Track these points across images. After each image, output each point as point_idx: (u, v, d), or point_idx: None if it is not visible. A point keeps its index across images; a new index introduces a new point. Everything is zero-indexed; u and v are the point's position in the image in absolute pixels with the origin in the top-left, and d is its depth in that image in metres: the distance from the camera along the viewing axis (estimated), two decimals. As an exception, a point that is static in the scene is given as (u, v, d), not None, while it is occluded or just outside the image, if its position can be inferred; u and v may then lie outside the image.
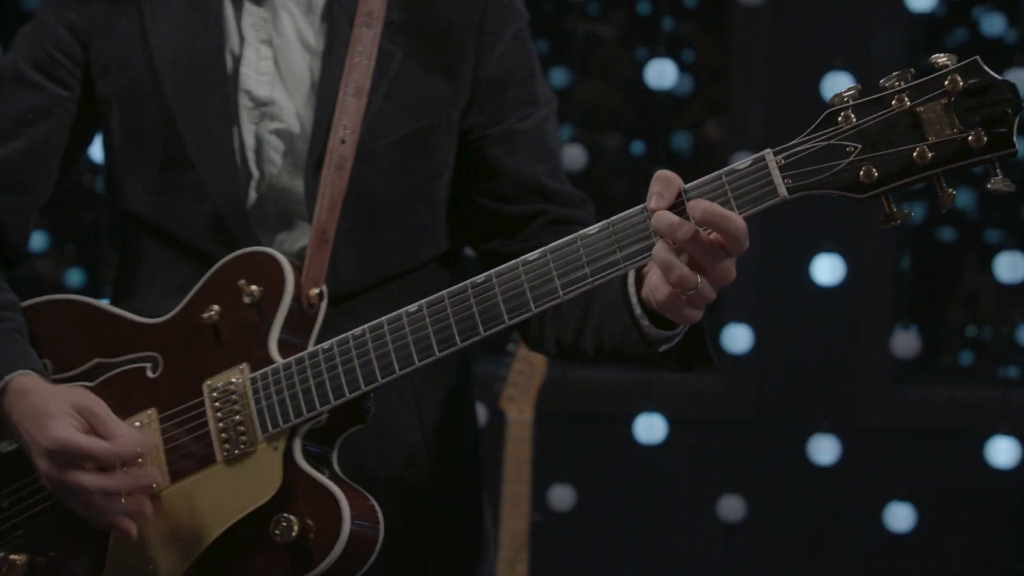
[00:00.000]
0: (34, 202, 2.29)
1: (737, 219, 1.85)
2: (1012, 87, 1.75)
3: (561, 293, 1.94)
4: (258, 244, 2.18)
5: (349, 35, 2.21)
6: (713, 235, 1.86)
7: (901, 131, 1.79)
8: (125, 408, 2.12)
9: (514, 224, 2.27)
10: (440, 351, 2.00)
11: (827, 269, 4.61)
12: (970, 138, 1.76)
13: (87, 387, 2.15)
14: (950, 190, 1.80)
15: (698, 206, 1.85)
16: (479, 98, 2.26)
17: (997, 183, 1.77)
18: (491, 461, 2.85)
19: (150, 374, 2.15)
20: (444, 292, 2.00)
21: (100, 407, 2.07)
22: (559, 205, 2.27)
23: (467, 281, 1.99)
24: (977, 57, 1.76)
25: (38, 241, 5.02)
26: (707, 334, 2.04)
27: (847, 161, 1.81)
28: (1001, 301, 4.88)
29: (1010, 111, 1.75)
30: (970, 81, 1.75)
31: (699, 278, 1.87)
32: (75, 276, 5.19)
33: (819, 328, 4.76)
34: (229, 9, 2.25)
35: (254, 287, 2.11)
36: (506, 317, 1.97)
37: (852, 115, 1.81)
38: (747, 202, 1.85)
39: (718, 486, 4.70)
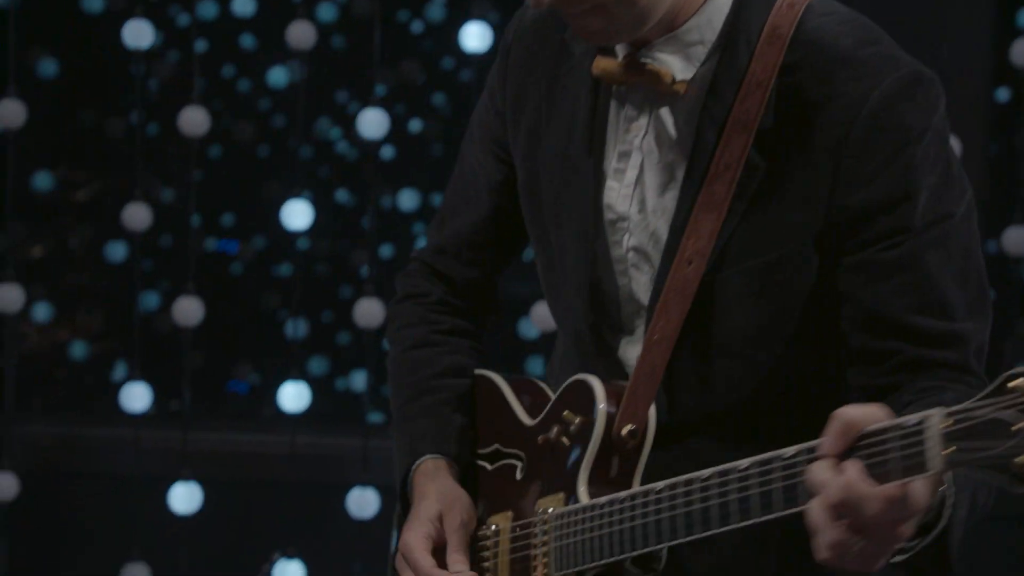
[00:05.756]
0: (488, 271, 2.40)
1: (873, 502, 1.67)
2: None
3: (715, 525, 1.88)
4: (612, 354, 2.16)
5: (716, 143, 2.03)
6: None
7: None
8: (496, 502, 2.24)
9: (868, 359, 2.04)
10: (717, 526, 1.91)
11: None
12: None
13: (487, 469, 2.27)
14: None
15: (845, 471, 1.69)
16: (837, 224, 2.01)
17: None
18: None
19: (518, 475, 2.23)
20: (718, 468, 1.90)
21: (457, 527, 2.17)
22: (918, 345, 2.01)
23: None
24: None
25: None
26: (954, 542, 1.82)
27: (1010, 443, 1.55)
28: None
29: None
30: None
31: (858, 541, 1.70)
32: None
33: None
34: (610, 115, 2.15)
35: (576, 417, 2.12)
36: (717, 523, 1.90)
37: None
38: (895, 472, 1.66)
39: None
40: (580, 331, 2.20)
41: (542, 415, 2.19)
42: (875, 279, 2.01)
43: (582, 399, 2.11)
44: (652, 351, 2.07)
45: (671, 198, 2.09)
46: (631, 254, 2.14)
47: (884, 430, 1.67)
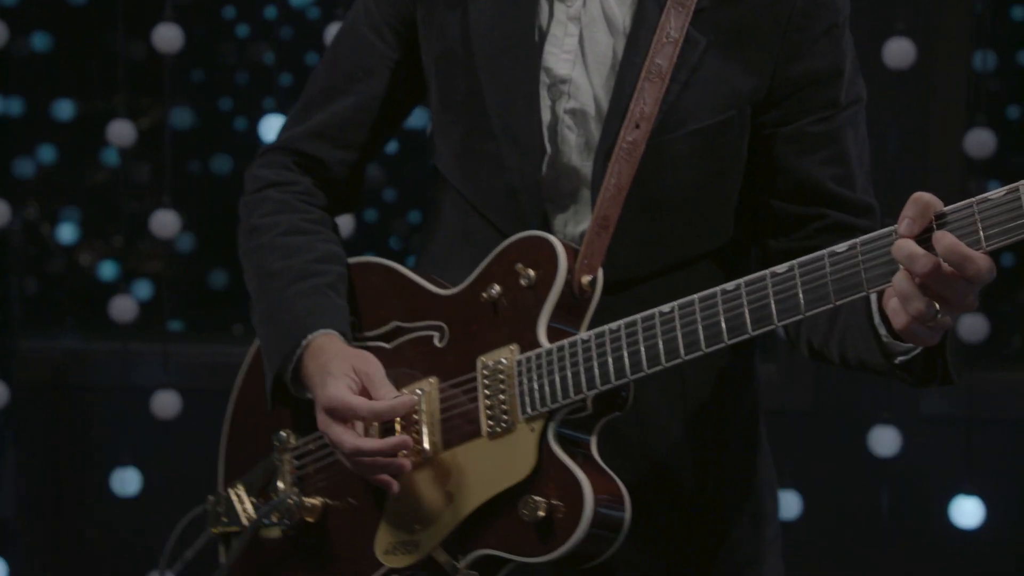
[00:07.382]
0: (362, 156, 2.42)
1: (978, 262, 1.83)
2: None
3: (804, 310, 1.97)
4: (545, 222, 2.25)
5: (657, 18, 2.20)
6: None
7: None
8: (412, 372, 2.27)
9: (792, 224, 2.27)
10: (707, 347, 2.05)
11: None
12: None
13: (384, 348, 2.30)
14: None
15: (942, 241, 1.84)
16: (777, 95, 2.23)
17: None
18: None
19: (437, 343, 2.27)
20: (696, 296, 2.05)
21: (375, 370, 2.21)
22: (840, 211, 2.25)
23: (718, 287, 2.04)
24: None
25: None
26: (949, 351, 2.02)
27: None
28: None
29: None
30: None
31: (937, 308, 1.87)
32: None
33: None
34: None
35: (531, 271, 2.18)
36: (750, 328, 2.01)
37: None
38: (996, 234, 1.82)
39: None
40: (516, 190, 2.25)
41: (470, 281, 2.25)
42: (805, 151, 2.23)
43: (537, 253, 2.19)
44: (605, 206, 2.18)
45: (613, 66, 2.22)
46: (567, 116, 2.24)
47: (966, 205, 1.84)
